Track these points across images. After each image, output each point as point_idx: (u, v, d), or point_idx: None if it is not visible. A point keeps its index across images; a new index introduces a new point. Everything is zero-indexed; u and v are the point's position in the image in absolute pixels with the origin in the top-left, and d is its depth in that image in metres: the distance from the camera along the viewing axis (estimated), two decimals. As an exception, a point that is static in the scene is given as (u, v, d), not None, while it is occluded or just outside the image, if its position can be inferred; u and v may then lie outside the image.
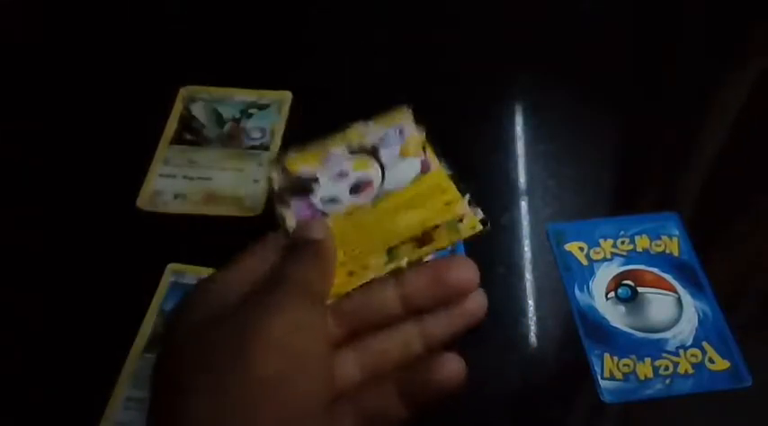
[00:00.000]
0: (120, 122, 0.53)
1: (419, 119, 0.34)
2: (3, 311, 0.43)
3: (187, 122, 0.53)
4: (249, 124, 0.52)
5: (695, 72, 0.56)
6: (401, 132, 0.35)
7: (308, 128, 0.52)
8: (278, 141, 0.51)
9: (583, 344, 0.41)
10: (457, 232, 0.32)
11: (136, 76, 0.56)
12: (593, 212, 0.48)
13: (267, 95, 0.54)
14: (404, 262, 0.31)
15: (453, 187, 0.33)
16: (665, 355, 0.40)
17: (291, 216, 0.32)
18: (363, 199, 0.33)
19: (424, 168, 0.33)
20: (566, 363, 0.42)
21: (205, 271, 0.44)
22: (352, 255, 0.31)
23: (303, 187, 0.33)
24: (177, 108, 0.53)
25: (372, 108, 0.53)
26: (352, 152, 0.34)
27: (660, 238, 0.45)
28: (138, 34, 0.60)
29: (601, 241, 0.45)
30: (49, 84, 0.56)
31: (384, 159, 0.34)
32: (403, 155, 0.34)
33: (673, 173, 0.50)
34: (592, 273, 0.44)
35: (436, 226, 0.32)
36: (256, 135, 0.52)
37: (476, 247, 0.45)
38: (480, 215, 0.32)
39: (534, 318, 0.43)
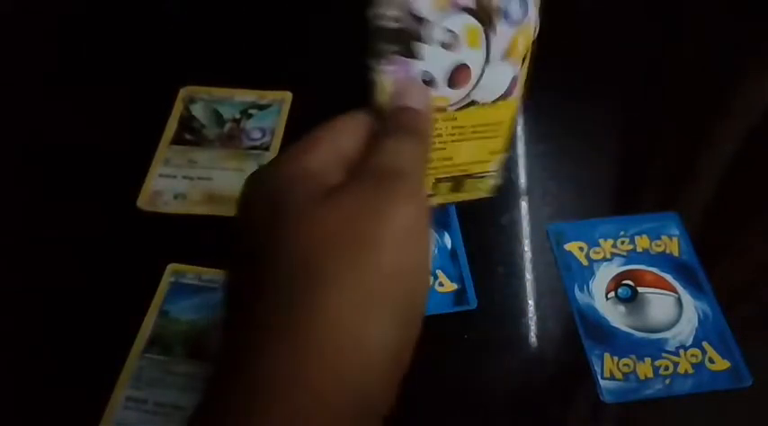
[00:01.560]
0: (120, 122, 0.53)
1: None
2: (3, 311, 0.43)
3: (187, 122, 0.53)
4: (249, 124, 0.52)
5: (698, 72, 0.56)
6: (525, 6, 0.29)
7: (308, 128, 0.53)
8: (278, 141, 0.51)
9: (583, 344, 0.41)
10: (476, 190, 0.32)
11: (136, 77, 0.56)
12: (593, 212, 0.47)
13: (267, 96, 0.54)
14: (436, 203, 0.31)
15: (508, 133, 0.31)
16: (665, 355, 0.40)
17: (389, 81, 0.29)
18: (455, 95, 0.29)
19: (510, 89, 0.30)
20: (566, 363, 0.42)
21: (205, 271, 0.44)
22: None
23: (409, 37, 0.29)
24: (177, 108, 0.53)
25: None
26: (478, 8, 0.28)
27: (660, 238, 0.45)
28: (138, 34, 0.60)
29: (601, 241, 0.45)
30: (49, 84, 0.56)
31: (493, 44, 0.29)
32: (507, 55, 0.30)
33: (673, 173, 0.50)
34: (592, 273, 0.44)
35: (469, 176, 0.31)
36: (256, 135, 0.52)
37: (475, 246, 0.45)
38: (499, 180, 0.32)
39: (534, 318, 0.43)
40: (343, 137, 0.27)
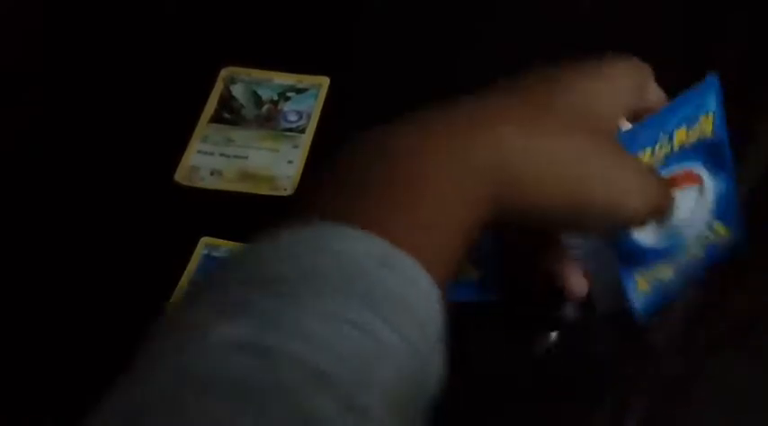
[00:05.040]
0: (162, 99, 0.54)
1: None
2: (38, 276, 0.45)
3: (227, 102, 0.54)
4: (286, 107, 0.54)
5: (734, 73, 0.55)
6: None
7: (342, 113, 0.54)
8: (314, 125, 0.52)
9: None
10: None
11: (179, 55, 0.58)
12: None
13: (305, 80, 0.55)
14: None
15: None
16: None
17: None
18: None
19: None
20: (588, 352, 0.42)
21: (237, 246, 0.45)
22: None
23: None
24: (218, 88, 0.55)
25: (408, 98, 0.54)
26: None
27: (697, 121, 0.37)
28: (182, 15, 0.61)
29: (639, 154, 0.36)
30: (96, 57, 0.58)
31: None
32: None
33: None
34: None
35: None
36: (293, 118, 0.53)
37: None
38: None
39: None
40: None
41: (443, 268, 0.24)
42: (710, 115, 0.37)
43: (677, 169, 0.37)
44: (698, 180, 0.37)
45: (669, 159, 0.36)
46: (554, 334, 0.41)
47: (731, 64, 0.56)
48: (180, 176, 0.49)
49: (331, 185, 0.26)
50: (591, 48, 0.53)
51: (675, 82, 0.53)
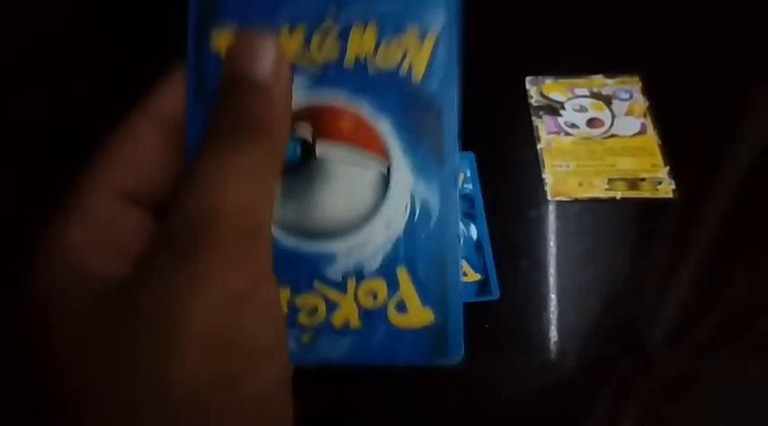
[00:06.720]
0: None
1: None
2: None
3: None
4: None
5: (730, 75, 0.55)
6: (631, 95, 0.50)
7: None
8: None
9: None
10: (655, 190, 0.45)
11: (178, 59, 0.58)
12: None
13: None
14: (618, 195, 0.46)
15: (659, 154, 0.47)
16: (319, 285, 0.21)
17: (543, 128, 0.47)
18: (595, 132, 0.48)
19: (642, 130, 0.48)
20: (585, 358, 0.42)
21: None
22: (582, 168, 0.46)
23: (553, 108, 0.49)
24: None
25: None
26: (592, 95, 0.50)
27: (401, 33, 0.21)
28: (181, 19, 0.61)
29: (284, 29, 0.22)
30: (99, 63, 0.58)
31: (614, 109, 0.50)
32: (629, 113, 0.49)
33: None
34: None
35: (643, 179, 0.46)
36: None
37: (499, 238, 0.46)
38: (674, 185, 0.46)
39: (556, 312, 0.43)
40: (135, 155, 0.17)
41: None
42: (430, 39, 0.21)
43: (340, 96, 0.21)
44: (379, 149, 0.21)
45: (336, 75, 0.21)
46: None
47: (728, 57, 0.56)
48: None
49: None
50: (591, 41, 0.54)
51: (674, 79, 0.53)
